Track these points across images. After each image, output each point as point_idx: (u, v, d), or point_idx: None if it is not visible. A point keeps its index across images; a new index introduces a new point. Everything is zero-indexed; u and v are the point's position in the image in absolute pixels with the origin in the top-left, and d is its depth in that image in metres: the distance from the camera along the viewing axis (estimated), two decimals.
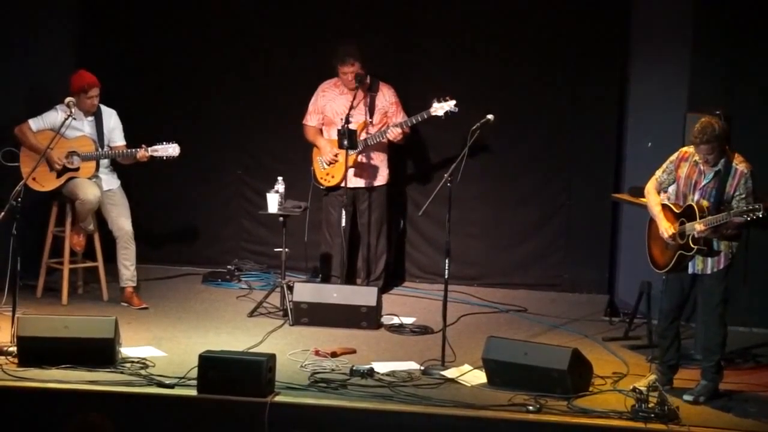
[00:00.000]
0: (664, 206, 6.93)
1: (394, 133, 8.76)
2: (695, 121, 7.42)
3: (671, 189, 7.03)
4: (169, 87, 9.72)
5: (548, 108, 9.31)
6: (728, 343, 6.93)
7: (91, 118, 8.57)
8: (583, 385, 6.73)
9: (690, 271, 6.84)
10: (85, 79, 8.44)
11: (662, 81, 8.78)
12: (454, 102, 8.53)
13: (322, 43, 9.31)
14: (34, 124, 8.49)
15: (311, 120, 9.01)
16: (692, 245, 6.70)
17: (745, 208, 6.53)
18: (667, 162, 6.96)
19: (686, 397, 6.72)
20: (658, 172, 6.99)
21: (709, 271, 6.79)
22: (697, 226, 6.63)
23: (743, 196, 6.67)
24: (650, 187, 7.03)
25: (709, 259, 6.77)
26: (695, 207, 6.70)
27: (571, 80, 9.26)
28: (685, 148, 6.95)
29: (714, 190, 6.72)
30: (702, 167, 6.76)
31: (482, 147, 8.87)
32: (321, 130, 8.99)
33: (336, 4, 9.49)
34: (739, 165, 6.71)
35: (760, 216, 6.47)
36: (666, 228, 6.82)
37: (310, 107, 9.00)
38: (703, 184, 6.76)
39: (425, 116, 8.66)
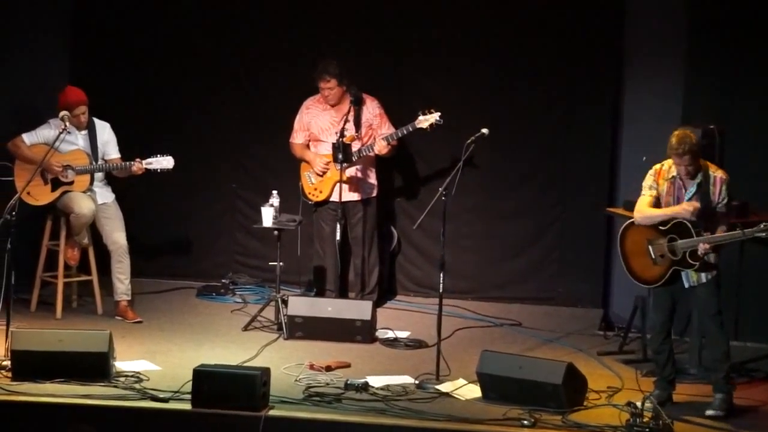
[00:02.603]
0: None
1: (381, 146, 8.77)
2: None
3: None
4: (163, 100, 9.73)
5: (543, 122, 9.33)
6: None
7: (84, 132, 8.58)
8: (577, 400, 6.73)
9: (686, 285, 6.86)
10: (70, 97, 8.45)
11: (657, 95, 8.81)
12: (438, 114, 8.54)
13: (316, 57, 9.31)
14: (28, 138, 8.50)
15: (298, 137, 9.02)
16: (692, 261, 6.72)
17: (762, 226, 6.55)
18: (651, 180, 6.95)
19: (709, 412, 6.73)
20: (645, 193, 6.95)
21: (704, 280, 6.82)
22: (703, 245, 6.66)
23: (726, 201, 6.74)
24: (642, 205, 6.96)
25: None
26: (688, 225, 6.71)
27: (565, 94, 9.28)
28: (657, 166, 6.97)
29: (700, 203, 6.74)
30: (681, 181, 6.80)
31: (477, 161, 8.88)
32: (308, 146, 9.01)
33: (329, 19, 9.50)
34: (716, 172, 6.79)
35: None
36: (690, 208, 6.73)
37: (296, 125, 9.01)
38: (687, 198, 6.79)
39: (410, 129, 8.68)
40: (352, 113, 8.84)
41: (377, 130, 8.91)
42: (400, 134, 8.77)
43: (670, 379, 7.00)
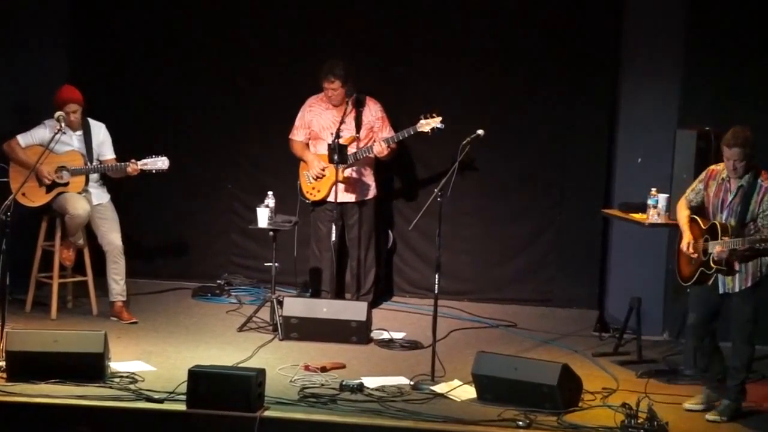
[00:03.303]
0: (693, 219, 6.90)
1: (380, 148, 8.79)
2: (686, 137, 7.49)
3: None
4: (159, 101, 9.72)
5: (539, 124, 9.34)
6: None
7: (79, 133, 8.57)
8: (572, 401, 6.74)
9: (720, 290, 6.81)
10: (63, 95, 8.44)
11: (653, 98, 8.82)
12: (440, 119, 8.57)
13: (313, 58, 9.33)
14: (23, 139, 8.50)
15: (298, 135, 9.04)
16: (712, 264, 6.71)
17: (759, 237, 6.53)
18: (696, 181, 6.93)
19: (709, 417, 6.72)
20: (688, 191, 6.96)
21: (737, 289, 6.76)
22: (717, 248, 6.65)
23: (767, 212, 6.65)
24: (680, 204, 6.98)
25: (737, 278, 6.74)
26: (718, 226, 6.70)
27: (562, 96, 9.29)
28: (713, 166, 6.90)
29: (739, 206, 6.69)
30: (728, 183, 6.74)
31: (473, 162, 8.90)
32: (308, 145, 9.03)
33: (327, 20, 9.51)
34: (765, 182, 6.68)
35: None
36: (685, 242, 6.81)
37: (297, 122, 9.03)
38: (729, 201, 6.73)
39: (411, 132, 8.70)
40: (353, 114, 8.85)
41: (378, 132, 8.92)
42: (400, 137, 8.79)
43: (719, 378, 6.87)
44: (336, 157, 8.56)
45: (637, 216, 7.73)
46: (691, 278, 6.84)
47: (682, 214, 6.94)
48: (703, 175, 6.91)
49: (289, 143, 9.05)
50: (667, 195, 7.55)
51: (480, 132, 7.82)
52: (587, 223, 9.23)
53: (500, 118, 9.17)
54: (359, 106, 8.91)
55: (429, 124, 8.61)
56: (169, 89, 9.72)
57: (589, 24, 9.18)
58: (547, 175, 9.38)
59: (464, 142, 7.55)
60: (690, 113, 8.42)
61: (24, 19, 9.27)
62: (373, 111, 8.95)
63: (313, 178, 8.91)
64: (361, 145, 8.88)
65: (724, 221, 6.71)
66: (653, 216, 7.58)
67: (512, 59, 9.32)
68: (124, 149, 8.71)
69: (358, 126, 8.91)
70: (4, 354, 6.98)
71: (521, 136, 9.36)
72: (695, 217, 6.90)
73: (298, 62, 9.49)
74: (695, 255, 6.78)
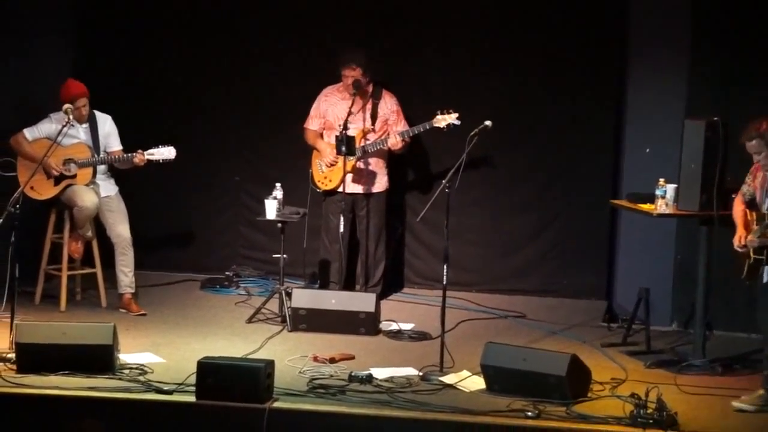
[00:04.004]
0: (746, 213, 6.87)
1: (395, 141, 8.79)
2: (693, 127, 7.48)
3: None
4: (166, 92, 9.74)
5: (547, 115, 9.33)
6: (727, 348, 6.93)
7: (86, 125, 8.59)
8: (581, 391, 6.74)
9: (764, 279, 6.78)
10: (71, 90, 8.46)
11: (660, 88, 8.80)
12: (456, 115, 8.57)
13: (321, 50, 9.35)
14: (29, 133, 8.51)
15: (312, 124, 9.04)
16: (752, 255, 6.69)
17: None
18: (748, 174, 6.92)
19: (738, 405, 6.65)
20: (743, 185, 6.95)
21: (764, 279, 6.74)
22: (749, 237, 6.64)
23: None
24: (736, 199, 6.97)
25: None
26: (755, 215, 6.67)
27: (569, 87, 9.27)
28: None
29: None
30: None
31: (481, 154, 8.89)
32: (321, 134, 9.03)
33: (335, 11, 9.50)
34: None
35: None
36: (736, 236, 6.79)
37: (312, 111, 9.03)
38: None
39: (427, 127, 8.71)
40: (369, 106, 8.85)
41: (392, 125, 8.93)
42: (415, 131, 8.80)
43: None
44: (344, 149, 8.56)
45: (646, 206, 7.72)
46: (742, 272, 6.81)
47: (737, 209, 6.93)
48: (752, 167, 6.88)
49: (303, 132, 9.05)
50: (675, 185, 7.53)
51: (488, 123, 7.81)
52: (595, 214, 9.22)
53: (508, 110, 9.16)
54: (376, 98, 8.92)
55: (445, 119, 8.61)
56: (175, 81, 9.73)
57: (595, 15, 9.15)
58: (554, 166, 9.37)
59: (472, 133, 7.54)
60: (698, 103, 8.42)
61: (27, 12, 9.26)
62: (389, 104, 8.96)
63: (326, 165, 8.91)
64: (375, 137, 8.89)
65: (766, 210, 6.69)
66: (661, 206, 7.57)
67: (519, 51, 9.30)
68: (131, 142, 8.71)
69: (374, 118, 8.91)
70: (13, 346, 7.00)
71: (528, 128, 9.34)
72: (747, 210, 6.87)
73: (307, 54, 9.49)
74: (743, 248, 6.76)
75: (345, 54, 8.82)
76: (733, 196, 7.37)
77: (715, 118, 7.37)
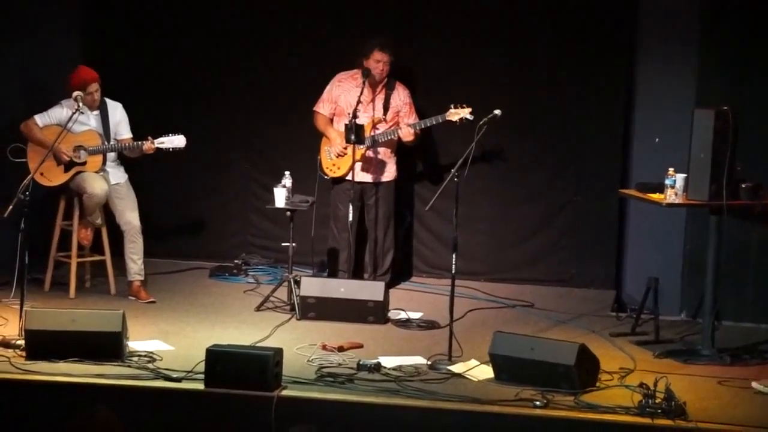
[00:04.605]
0: None
1: (407, 132, 8.78)
2: (703, 117, 7.45)
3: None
4: (176, 80, 9.74)
5: (556, 104, 9.31)
6: (735, 338, 6.92)
7: (96, 112, 8.58)
8: (590, 381, 6.72)
9: None
10: (82, 75, 8.45)
11: (670, 77, 8.79)
12: (469, 110, 8.57)
13: (329, 40, 9.35)
14: (40, 119, 8.51)
15: (323, 108, 9.01)
16: None
17: None
18: None
19: (756, 386, 6.65)
20: None
21: None
22: None
23: None
24: None
25: None
26: None
27: (578, 76, 9.25)
28: None
29: None
30: None
31: (490, 143, 8.88)
32: (331, 120, 9.01)
33: (345, 1, 9.48)
34: None
35: None
36: None
37: (324, 95, 9.01)
38: None
39: (440, 120, 8.72)
40: (382, 95, 8.84)
41: (403, 118, 8.91)
42: (428, 123, 8.80)
43: None
44: (353, 137, 8.54)
45: (655, 196, 7.69)
46: None
47: None
48: None
49: (312, 115, 9.02)
50: (685, 175, 7.51)
51: (497, 112, 7.80)
52: (604, 204, 9.21)
53: (517, 100, 9.14)
54: (389, 89, 8.90)
55: (458, 113, 8.60)
56: (185, 69, 9.73)
57: (605, 4, 9.13)
58: (563, 156, 9.36)
59: (481, 122, 7.53)
60: (707, 92, 8.41)
61: (35, 1, 9.25)
62: (401, 96, 8.94)
63: (334, 155, 8.89)
64: (386, 127, 8.87)
65: None
66: (671, 196, 7.54)
67: (528, 41, 9.29)
68: (141, 130, 8.71)
69: (386, 108, 8.89)
70: (23, 333, 7.01)
71: (538, 117, 9.33)
72: None
73: (315, 44, 9.48)
74: None
75: (377, 37, 8.78)
76: (743, 185, 7.36)
77: (725, 108, 7.34)
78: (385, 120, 8.90)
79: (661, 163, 7.79)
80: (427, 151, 9.44)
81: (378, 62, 8.78)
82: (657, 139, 8.74)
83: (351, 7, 9.47)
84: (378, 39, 8.79)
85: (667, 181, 7.56)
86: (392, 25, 9.36)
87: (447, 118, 8.66)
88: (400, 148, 9.08)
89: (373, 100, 8.88)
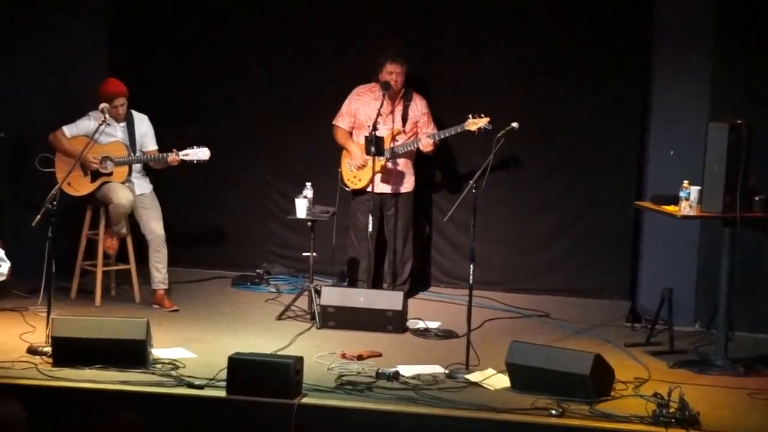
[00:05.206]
0: None
1: (426, 143, 8.78)
2: (717, 130, 7.43)
3: None
4: (199, 92, 9.75)
5: (572, 116, 9.30)
6: (749, 349, 6.90)
7: (123, 124, 8.63)
8: (605, 390, 6.71)
9: None
10: (110, 88, 8.50)
11: (684, 90, 8.75)
12: (488, 119, 8.56)
13: (349, 51, 9.36)
14: (68, 130, 8.56)
15: (342, 122, 9.03)
16: None
17: None
18: None
19: None
20: None
21: None
22: None
23: None
24: None
25: None
26: None
27: (593, 89, 9.23)
28: None
29: None
30: None
31: (507, 154, 8.87)
32: (351, 133, 9.02)
33: (364, 13, 9.50)
34: None
35: None
36: None
37: (343, 109, 9.02)
38: None
39: (459, 130, 8.72)
40: (400, 107, 8.86)
41: (422, 128, 8.92)
42: (447, 134, 8.81)
43: None
44: (373, 149, 8.55)
45: (669, 208, 7.68)
46: None
47: None
48: None
49: (332, 129, 9.04)
50: (699, 187, 7.49)
51: (514, 125, 7.79)
52: (619, 215, 9.19)
53: (534, 112, 9.13)
54: (407, 100, 8.91)
55: (476, 123, 8.60)
56: (208, 82, 9.75)
57: (620, 17, 9.11)
58: (579, 167, 9.34)
59: (499, 135, 7.54)
60: (721, 105, 8.36)
61: (65, 13, 9.31)
62: (419, 106, 8.95)
63: (355, 167, 8.90)
64: (405, 138, 8.89)
65: None
66: (685, 208, 7.52)
67: (545, 53, 9.27)
68: (165, 140, 8.75)
69: (404, 119, 8.90)
70: (50, 340, 7.03)
71: (554, 129, 9.32)
72: None
73: (335, 55, 9.50)
74: None
75: (388, 50, 8.80)
76: (756, 198, 7.33)
77: (738, 121, 7.32)
78: (404, 131, 8.91)
79: (676, 175, 7.78)
80: (445, 161, 9.44)
81: (391, 74, 8.79)
82: (672, 152, 8.72)
83: (371, 20, 9.48)
84: (388, 51, 8.80)
85: (682, 194, 7.54)
86: (410, 36, 9.38)
87: (466, 128, 8.66)
88: (418, 159, 9.09)
89: (392, 112, 8.89)
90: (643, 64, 9.06)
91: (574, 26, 9.21)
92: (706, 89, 8.57)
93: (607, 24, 9.14)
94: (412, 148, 8.88)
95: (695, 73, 8.67)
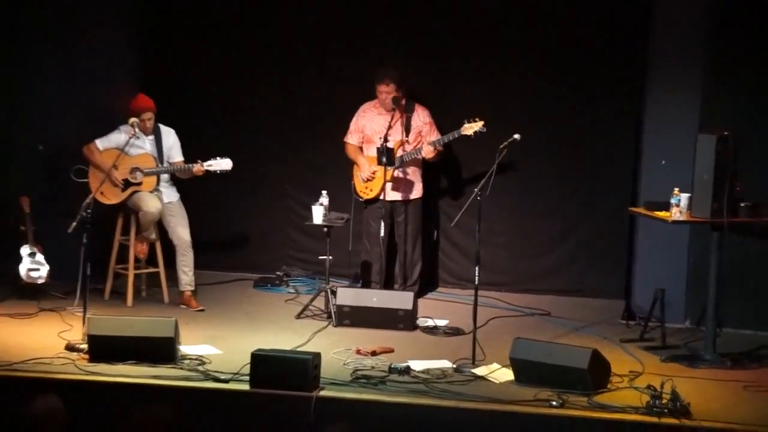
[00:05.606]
0: None
1: (428, 151, 8.86)
2: (706, 141, 7.47)
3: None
4: (222, 108, 9.82)
5: (571, 127, 9.35)
6: (736, 344, 6.91)
7: (151, 137, 8.70)
8: (602, 383, 6.76)
9: None
10: (140, 103, 8.58)
11: (676, 102, 8.73)
12: (482, 123, 8.61)
13: (362, 63, 9.38)
14: (101, 143, 8.63)
15: (352, 138, 9.12)
16: None
17: None
18: None
19: None
20: None
21: None
22: None
23: None
24: None
25: None
26: None
27: (593, 102, 9.28)
28: None
29: None
30: None
31: (510, 164, 8.93)
32: (361, 148, 9.11)
33: (374, 27, 9.55)
34: None
35: None
36: None
37: (352, 126, 9.11)
38: None
39: (456, 135, 8.75)
40: (403, 119, 8.93)
41: (426, 137, 8.99)
42: (445, 140, 8.84)
43: None
44: (384, 159, 8.64)
45: (661, 214, 7.72)
46: None
47: None
48: None
49: (344, 146, 9.13)
50: (689, 194, 7.54)
51: (516, 136, 7.86)
52: (615, 220, 9.22)
53: (534, 123, 9.18)
54: (409, 112, 8.98)
55: (472, 127, 8.65)
56: (231, 98, 9.81)
57: (616, 30, 9.14)
58: (578, 176, 9.40)
59: (501, 146, 7.59)
60: (711, 117, 8.34)
61: (100, 35, 9.38)
62: (421, 117, 9.02)
63: (363, 180, 8.99)
64: (410, 148, 8.96)
65: None
66: (676, 214, 7.56)
67: (544, 66, 9.32)
68: (191, 152, 8.81)
69: (408, 130, 8.97)
70: (86, 338, 7.12)
71: (554, 140, 9.37)
72: None
73: (349, 67, 9.54)
74: None
75: (380, 71, 8.90)
76: (742, 204, 7.38)
77: (726, 133, 7.36)
78: (408, 141, 8.97)
79: (667, 184, 7.83)
80: (451, 170, 9.50)
81: (381, 93, 8.88)
82: (663, 162, 8.76)
83: (382, 33, 9.50)
84: (378, 75, 8.88)
85: (673, 200, 7.58)
86: (419, 50, 9.43)
87: (462, 133, 8.68)
88: (425, 168, 9.16)
89: (395, 124, 8.93)
90: (640, 80, 9.09)
91: (573, 42, 9.25)
92: (696, 103, 8.57)
93: (605, 39, 9.17)
94: (417, 156, 8.95)
95: (686, 89, 8.64)
